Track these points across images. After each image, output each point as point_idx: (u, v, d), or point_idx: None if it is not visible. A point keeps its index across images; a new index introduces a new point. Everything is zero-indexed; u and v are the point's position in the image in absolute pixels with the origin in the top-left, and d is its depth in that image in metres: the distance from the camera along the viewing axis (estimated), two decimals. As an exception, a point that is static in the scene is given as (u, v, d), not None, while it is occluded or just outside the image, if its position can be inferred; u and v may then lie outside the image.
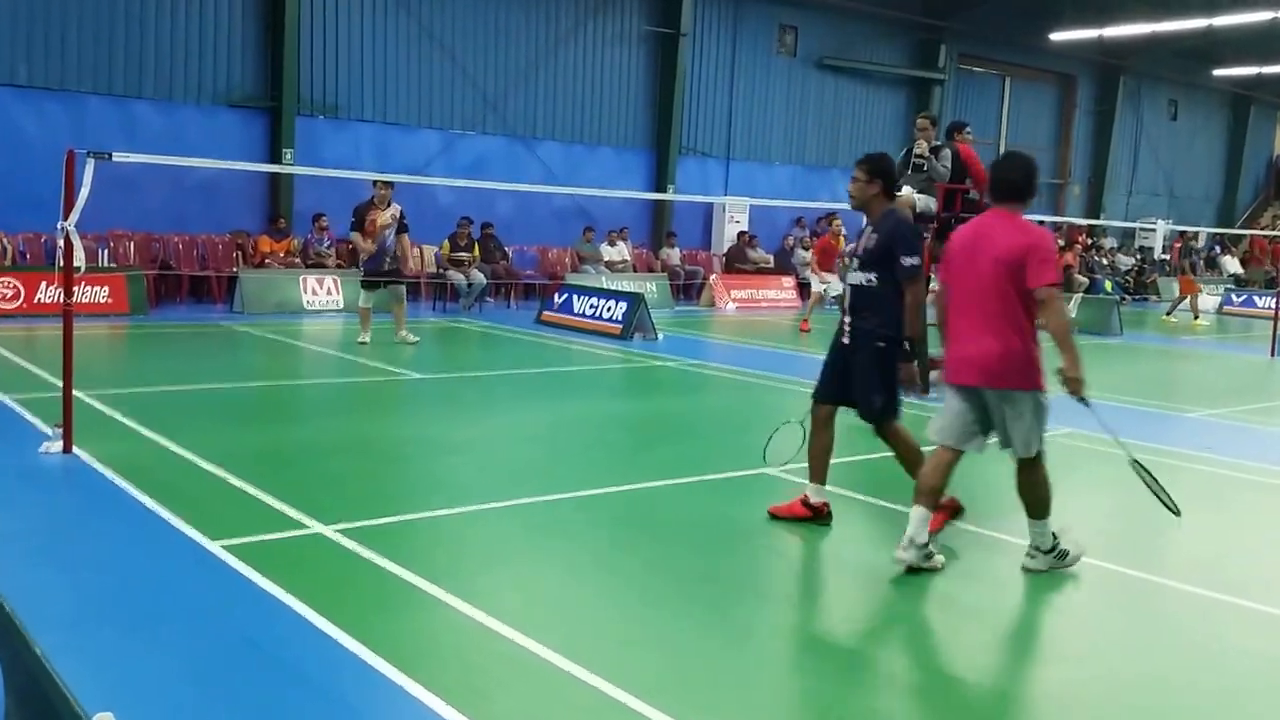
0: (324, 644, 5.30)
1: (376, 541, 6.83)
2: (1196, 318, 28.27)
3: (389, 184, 16.28)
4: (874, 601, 6.57)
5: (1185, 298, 28.69)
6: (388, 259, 16.18)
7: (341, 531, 7.01)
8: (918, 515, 6.81)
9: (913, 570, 6.75)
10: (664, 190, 28.19)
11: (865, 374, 7.48)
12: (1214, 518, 8.63)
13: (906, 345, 7.40)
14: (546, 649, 5.31)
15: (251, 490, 7.94)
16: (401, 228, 16.23)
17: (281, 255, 21.43)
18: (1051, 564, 6.99)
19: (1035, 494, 7.00)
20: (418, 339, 16.40)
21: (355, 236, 16.24)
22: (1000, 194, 6.89)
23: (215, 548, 6.60)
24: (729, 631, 5.85)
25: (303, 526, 7.14)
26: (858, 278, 7.62)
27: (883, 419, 7.59)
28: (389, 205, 16.11)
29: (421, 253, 23.95)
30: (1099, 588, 7.00)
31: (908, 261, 7.31)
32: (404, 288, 16.74)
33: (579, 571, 6.74)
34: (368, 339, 16.17)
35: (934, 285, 9.86)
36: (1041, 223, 35.53)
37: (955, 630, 6.14)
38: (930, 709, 5.01)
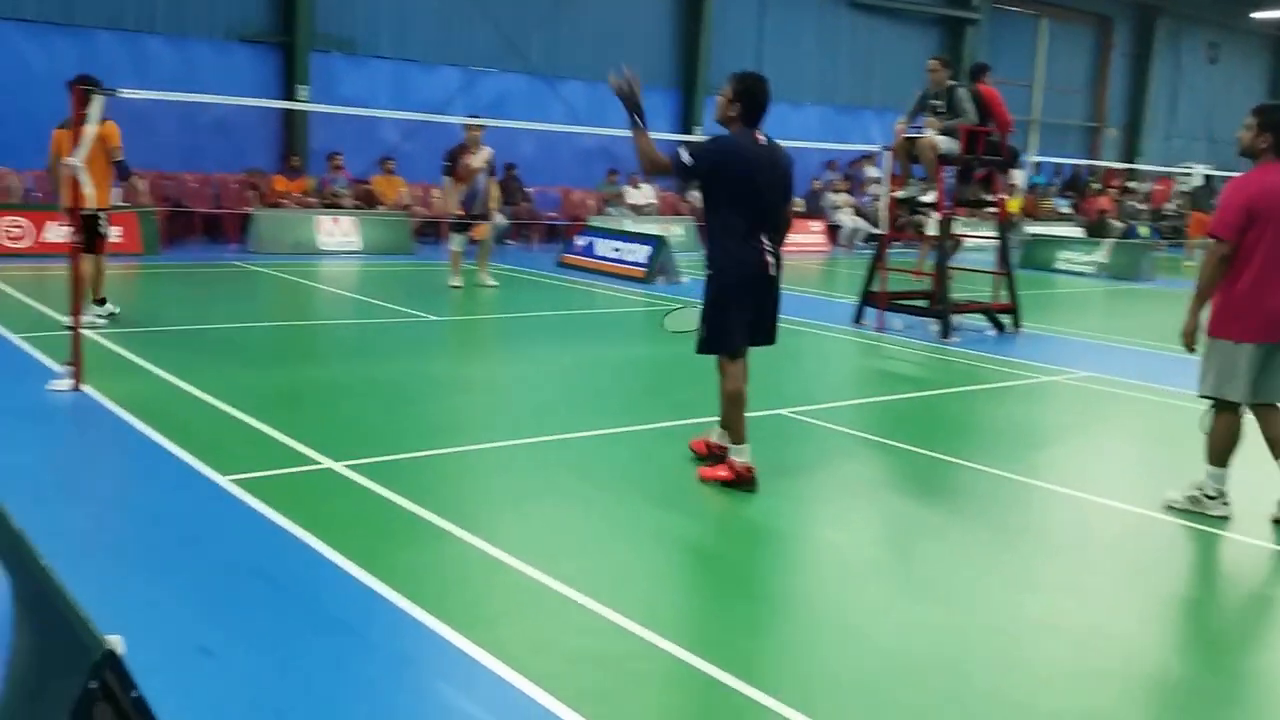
0: (332, 573, 5.40)
1: (387, 477, 6.92)
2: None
3: (480, 126, 16.25)
4: (880, 539, 6.64)
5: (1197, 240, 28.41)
6: (479, 202, 16.26)
7: (352, 467, 7.11)
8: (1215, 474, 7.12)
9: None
10: (690, 132, 28.05)
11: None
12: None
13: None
14: (553, 579, 5.41)
15: (263, 427, 8.04)
16: (492, 170, 16.32)
17: (296, 194, 21.48)
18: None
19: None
20: (497, 284, 16.58)
21: (447, 182, 16.27)
22: None
23: (225, 481, 6.70)
24: (736, 569, 5.96)
25: (314, 462, 7.24)
26: None
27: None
28: (481, 148, 16.08)
29: (441, 193, 23.94)
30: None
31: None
32: (491, 231, 16.87)
33: (589, 506, 6.81)
34: (460, 282, 16.37)
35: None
36: (1076, 166, 35.13)
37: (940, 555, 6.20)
38: (933, 642, 5.08)
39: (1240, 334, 6.83)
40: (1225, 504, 7.10)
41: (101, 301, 11.88)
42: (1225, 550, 6.76)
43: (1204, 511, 7.07)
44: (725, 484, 7.19)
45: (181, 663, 4.42)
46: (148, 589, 5.19)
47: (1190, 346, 7.13)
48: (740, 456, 7.22)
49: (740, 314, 7.31)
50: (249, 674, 4.39)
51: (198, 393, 8.98)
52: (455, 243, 16.57)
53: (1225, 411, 7.05)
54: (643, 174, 6.36)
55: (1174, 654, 5.26)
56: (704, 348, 7.43)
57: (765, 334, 7.51)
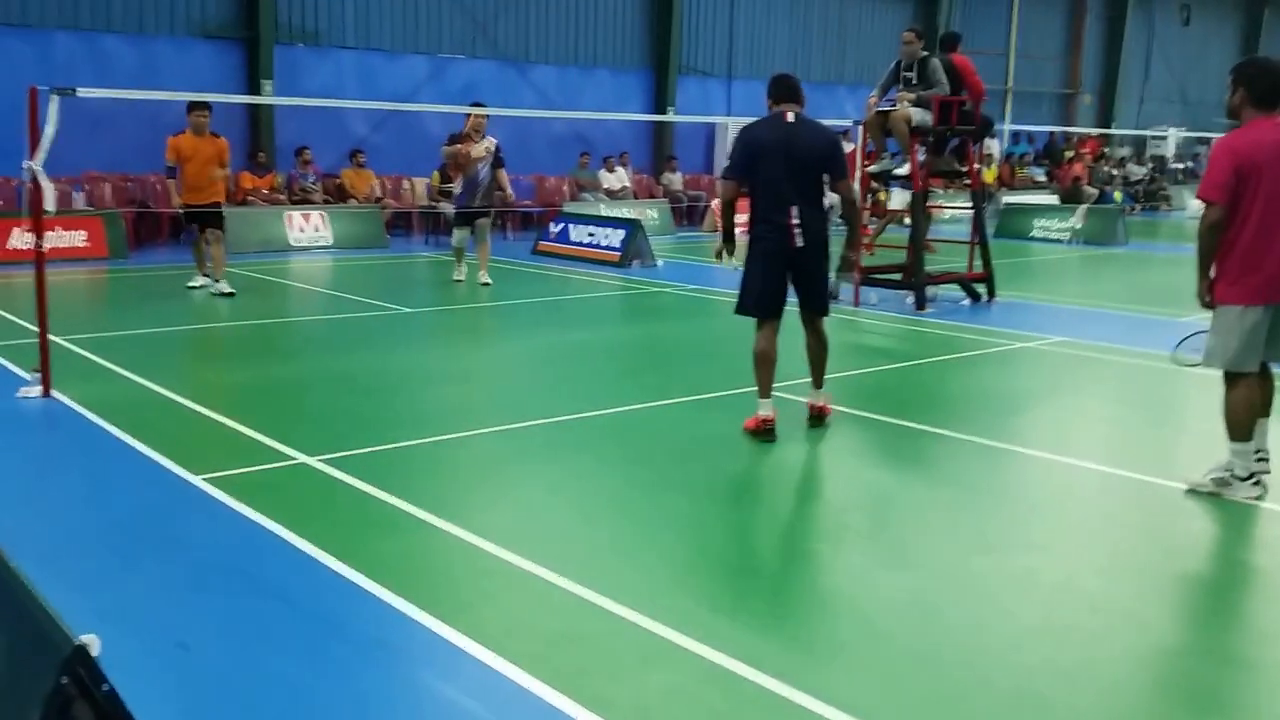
0: (307, 565, 5.47)
1: (361, 469, 6.99)
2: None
3: (484, 115, 15.78)
4: (858, 508, 6.72)
5: None
6: (480, 193, 15.74)
7: (326, 461, 7.16)
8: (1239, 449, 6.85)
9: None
10: (663, 112, 28.09)
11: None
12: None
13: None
14: (531, 563, 5.49)
15: (235, 425, 8.09)
16: (497, 161, 15.73)
17: (265, 191, 21.42)
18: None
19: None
20: (490, 282, 15.95)
21: (452, 149, 15.68)
22: (1276, 100, 6.73)
23: (198, 481, 6.75)
24: (712, 542, 6.05)
25: (287, 458, 7.29)
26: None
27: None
28: (484, 136, 15.67)
29: (412, 185, 23.99)
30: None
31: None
32: (489, 226, 16.24)
33: (565, 491, 6.89)
34: (462, 276, 16.17)
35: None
36: (1052, 134, 35.20)
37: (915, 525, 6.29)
38: (902, 614, 5.15)
39: (1246, 297, 6.66)
40: (1256, 483, 6.86)
41: None
42: (1188, 503, 6.81)
43: (1233, 495, 6.81)
44: (748, 431, 8.02)
45: (160, 658, 4.49)
46: (125, 587, 5.25)
47: (1208, 304, 6.86)
48: (763, 410, 7.99)
49: (767, 283, 8.09)
50: (226, 667, 4.46)
51: (169, 394, 9.01)
52: (456, 237, 16.25)
53: (1238, 381, 6.81)
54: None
55: (1143, 607, 5.34)
56: (737, 309, 8.28)
57: (811, 300, 8.30)
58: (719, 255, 8.56)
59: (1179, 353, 8.06)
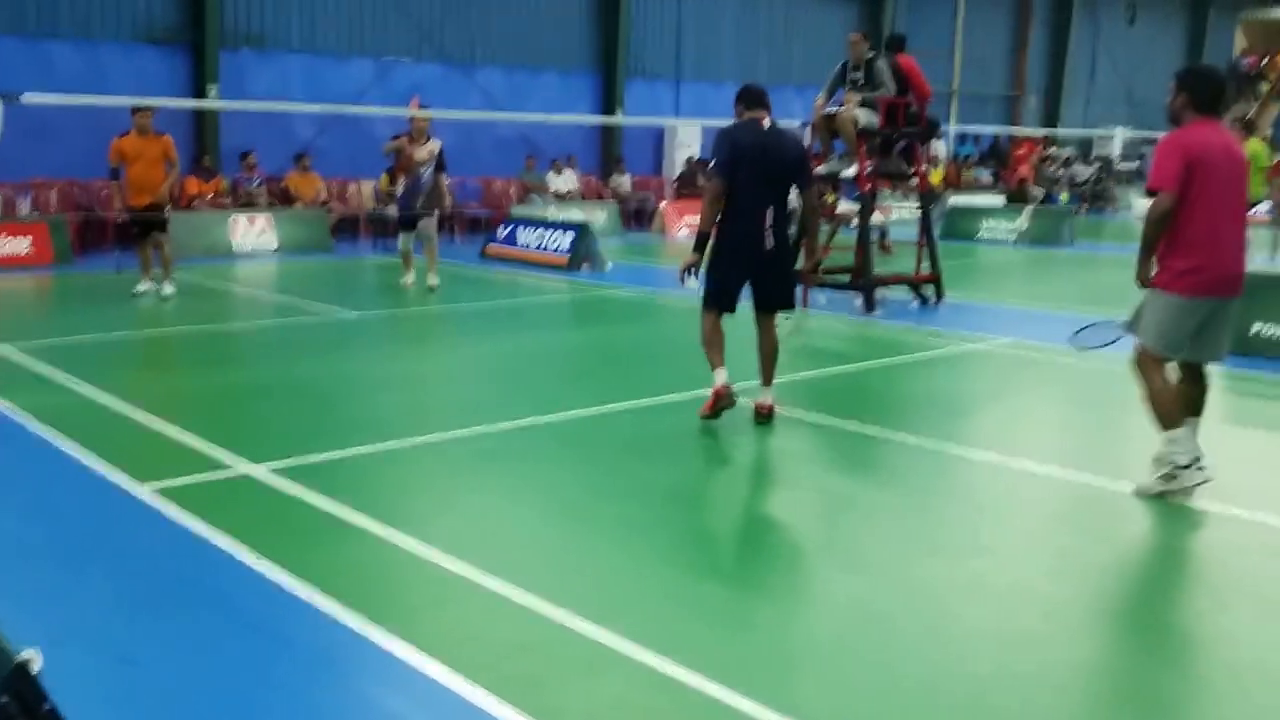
0: (254, 577, 5.43)
1: (307, 478, 6.94)
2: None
3: (427, 117, 15.64)
4: (809, 513, 6.75)
5: None
6: (422, 197, 15.54)
7: (272, 470, 7.11)
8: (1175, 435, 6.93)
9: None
10: (612, 114, 28.09)
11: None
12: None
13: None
14: (479, 571, 5.47)
15: (180, 434, 8.01)
16: (439, 165, 15.53)
17: (209, 196, 21.28)
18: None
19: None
20: (437, 284, 15.73)
21: (395, 143, 15.54)
22: (1214, 106, 6.98)
23: (143, 491, 6.68)
24: (661, 547, 6.02)
25: (232, 467, 7.23)
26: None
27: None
28: (427, 140, 15.43)
29: (359, 188, 23.91)
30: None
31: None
32: (435, 229, 16.01)
33: (515, 498, 6.87)
34: (411, 280, 15.94)
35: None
36: (996, 136, 35.54)
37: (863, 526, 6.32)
38: (839, 614, 5.18)
39: (1181, 288, 6.80)
40: (1201, 468, 6.89)
41: None
42: (1135, 505, 6.88)
43: (1183, 485, 6.87)
44: (705, 416, 8.32)
45: (104, 672, 4.44)
46: (68, 600, 5.19)
47: (1145, 284, 7.00)
48: (719, 379, 8.29)
49: (731, 282, 8.46)
50: (172, 682, 4.41)
51: (114, 402, 8.92)
52: (401, 240, 16.06)
53: (1156, 369, 6.96)
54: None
55: (1093, 613, 5.39)
56: (706, 304, 8.56)
57: (770, 300, 8.57)
58: (688, 272, 8.40)
59: (1077, 340, 8.24)
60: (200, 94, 22.08)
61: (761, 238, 8.25)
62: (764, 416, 8.52)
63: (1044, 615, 5.22)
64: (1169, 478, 6.91)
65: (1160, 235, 6.82)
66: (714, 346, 8.45)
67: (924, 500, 7.00)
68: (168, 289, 14.58)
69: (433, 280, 15.72)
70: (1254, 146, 17.92)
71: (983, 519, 6.64)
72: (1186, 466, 6.86)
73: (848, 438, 8.39)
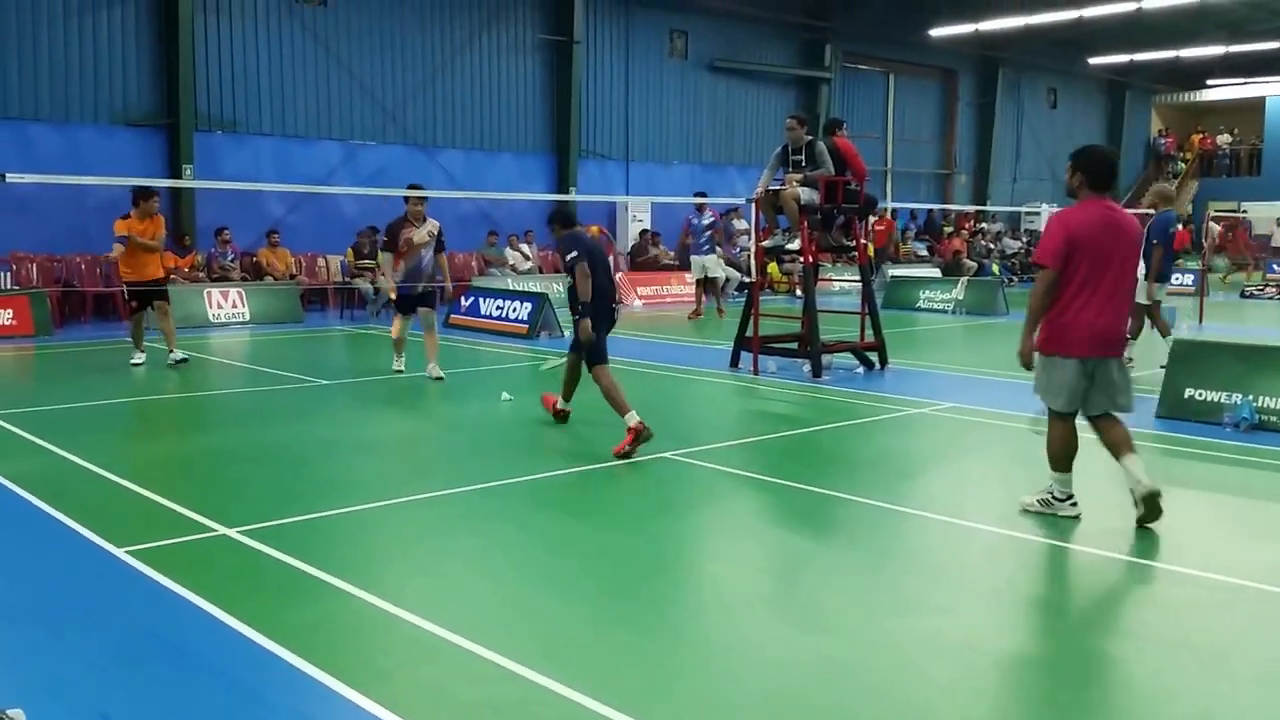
0: (226, 636, 5.30)
1: (280, 541, 6.81)
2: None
3: (422, 198, 14.14)
4: (763, 571, 6.67)
5: None
6: (423, 281, 14.05)
7: (245, 533, 6.97)
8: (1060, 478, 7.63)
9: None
10: (566, 192, 28.17)
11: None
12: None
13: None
14: (447, 630, 5.35)
15: (156, 498, 7.86)
16: (439, 245, 14.12)
17: (186, 270, 21.16)
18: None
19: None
20: (443, 376, 13.90)
21: (385, 258, 14.02)
22: (1106, 183, 7.44)
23: (120, 553, 6.54)
24: (627, 608, 5.93)
25: (207, 530, 7.09)
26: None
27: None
28: (424, 221, 14.01)
29: (327, 263, 23.85)
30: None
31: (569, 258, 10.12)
32: (435, 316, 14.64)
33: (480, 558, 6.76)
34: (403, 366, 14.45)
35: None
36: (930, 211, 35.92)
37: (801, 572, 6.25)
38: (801, 663, 5.09)
39: (1066, 349, 7.32)
40: (1074, 505, 7.57)
41: None
42: (1083, 562, 6.89)
43: (1055, 513, 7.58)
44: (629, 447, 9.16)
45: (80, 734, 4.29)
46: (48, 660, 5.04)
47: (1027, 365, 7.54)
48: (632, 420, 9.33)
49: (601, 336, 10.12)
50: (148, 741, 4.27)
51: (92, 467, 8.76)
52: (396, 327, 14.29)
53: (1058, 421, 7.54)
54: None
55: (1048, 669, 5.32)
56: (591, 361, 10.14)
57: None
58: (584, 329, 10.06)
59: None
60: (176, 174, 22.02)
61: (613, 306, 10.37)
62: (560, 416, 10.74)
63: (1001, 671, 5.15)
64: (1046, 504, 7.66)
65: (1046, 305, 7.34)
66: (610, 393, 9.82)
67: (879, 559, 6.90)
68: (178, 355, 14.88)
69: (436, 371, 13.95)
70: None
71: (940, 577, 6.54)
72: (1062, 500, 7.60)
73: (803, 498, 8.27)
